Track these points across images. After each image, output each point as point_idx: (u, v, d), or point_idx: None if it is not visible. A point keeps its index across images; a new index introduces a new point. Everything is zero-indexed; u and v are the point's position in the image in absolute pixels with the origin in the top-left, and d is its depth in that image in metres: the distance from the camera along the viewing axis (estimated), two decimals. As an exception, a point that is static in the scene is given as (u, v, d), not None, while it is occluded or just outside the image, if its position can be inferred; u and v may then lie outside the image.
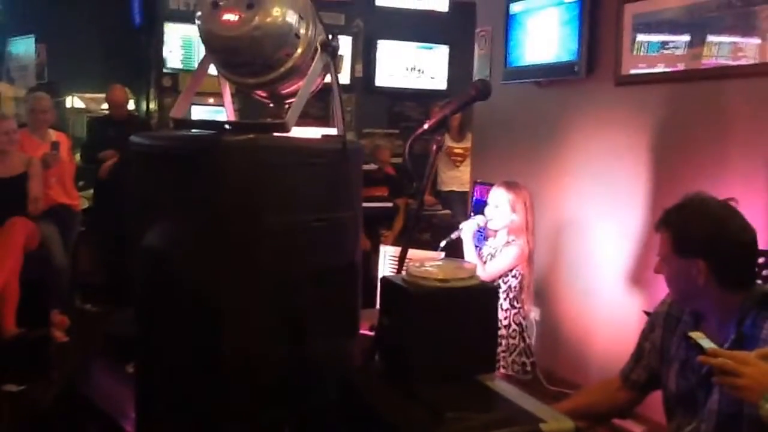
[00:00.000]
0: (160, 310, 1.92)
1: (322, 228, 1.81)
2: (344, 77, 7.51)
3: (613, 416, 2.44)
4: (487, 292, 1.72)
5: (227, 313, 1.77)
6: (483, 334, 1.70)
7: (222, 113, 2.21)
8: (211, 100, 5.42)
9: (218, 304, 1.77)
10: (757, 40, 3.06)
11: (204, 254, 1.78)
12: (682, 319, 2.11)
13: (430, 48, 8.01)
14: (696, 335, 1.73)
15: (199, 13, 1.81)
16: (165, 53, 6.77)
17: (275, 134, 1.84)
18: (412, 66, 7.99)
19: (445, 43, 7.94)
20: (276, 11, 1.76)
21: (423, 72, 8.05)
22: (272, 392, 1.81)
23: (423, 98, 7.79)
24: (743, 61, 3.12)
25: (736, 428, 1.81)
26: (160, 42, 6.77)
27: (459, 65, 7.15)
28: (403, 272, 1.76)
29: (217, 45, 1.82)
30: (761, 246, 2.05)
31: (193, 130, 2.02)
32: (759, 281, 1.99)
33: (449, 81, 7.96)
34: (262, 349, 1.79)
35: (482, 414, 1.52)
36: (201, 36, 1.83)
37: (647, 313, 2.32)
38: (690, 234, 1.96)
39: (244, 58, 1.81)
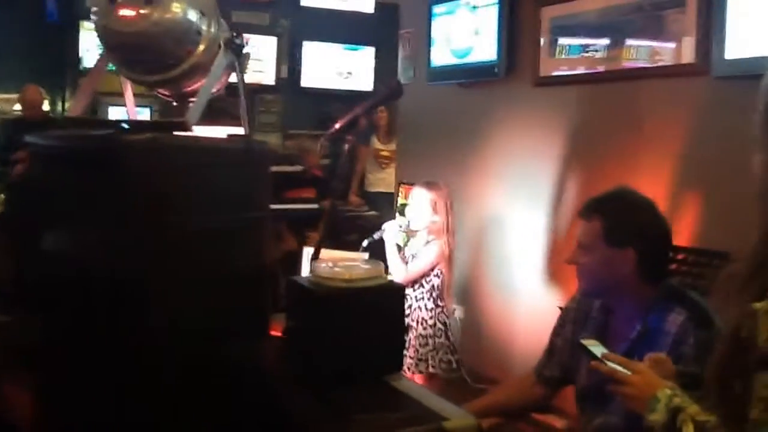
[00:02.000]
0: (66, 315, 1.86)
1: (227, 229, 1.77)
2: (269, 78, 7.47)
3: (529, 411, 2.47)
4: (394, 291, 1.71)
5: (135, 314, 1.72)
6: (390, 334, 1.69)
7: (142, 114, 2.15)
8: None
9: (124, 305, 1.72)
10: (668, 42, 3.13)
11: (107, 255, 1.72)
12: (590, 315, 2.15)
13: (356, 49, 8.01)
14: (588, 342, 1.74)
15: (94, 9, 1.75)
16: (81, 52, 6.61)
17: (178, 133, 1.80)
18: (338, 67, 7.97)
19: (371, 44, 7.95)
20: (175, 7, 1.71)
21: (350, 73, 8.04)
22: (181, 394, 1.76)
23: (350, 99, 7.77)
24: (659, 64, 3.18)
25: (642, 421, 1.84)
26: (76, 41, 6.61)
27: (385, 66, 7.17)
28: (310, 273, 1.74)
29: (114, 41, 1.77)
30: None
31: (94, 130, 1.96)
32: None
33: (376, 82, 7.97)
34: (171, 350, 1.75)
35: (388, 414, 1.52)
36: (97, 32, 1.78)
37: (562, 309, 2.36)
38: (624, 223, 1.99)
39: (143, 54, 1.76)
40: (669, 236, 2.05)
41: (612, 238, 1.98)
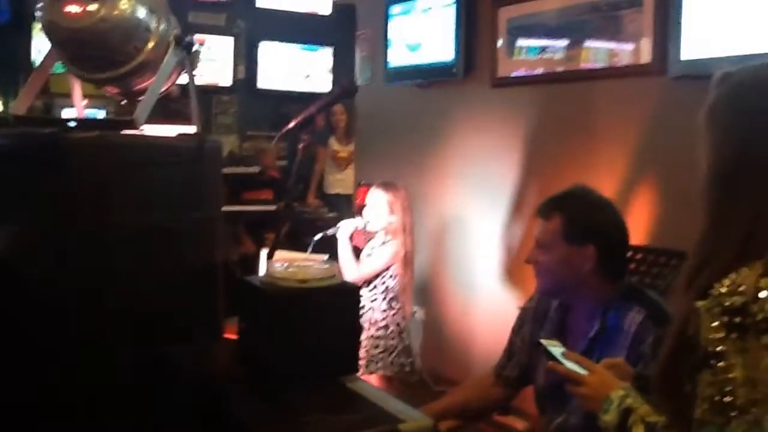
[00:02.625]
0: (8, 315, 1.80)
1: (176, 229, 1.73)
2: (226, 79, 7.39)
3: (489, 412, 2.46)
4: (348, 292, 1.69)
5: (81, 315, 1.67)
6: (344, 335, 1.66)
7: (96, 115, 2.10)
8: (84, 101, 5.15)
9: (69, 306, 1.67)
10: (626, 43, 3.14)
11: (52, 256, 1.67)
12: (548, 314, 2.14)
13: (314, 50, 7.97)
14: (547, 342, 1.73)
15: (40, 4, 1.70)
16: (34, 53, 6.46)
17: (127, 132, 1.75)
18: (295, 68, 7.91)
19: (328, 45, 7.91)
20: (124, 3, 1.68)
21: (308, 74, 7.99)
22: (126, 396, 1.72)
23: (308, 100, 7.68)
24: (617, 64, 3.19)
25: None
26: (28, 41, 6.47)
27: (343, 67, 7.14)
28: (262, 273, 1.71)
29: (60, 38, 1.72)
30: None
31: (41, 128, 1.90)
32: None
33: (334, 83, 7.93)
34: (116, 351, 1.70)
35: (342, 416, 1.49)
36: (43, 28, 1.73)
37: (521, 309, 2.35)
38: (584, 220, 1.99)
39: (91, 51, 1.72)
40: (628, 234, 2.06)
41: (572, 236, 1.98)
